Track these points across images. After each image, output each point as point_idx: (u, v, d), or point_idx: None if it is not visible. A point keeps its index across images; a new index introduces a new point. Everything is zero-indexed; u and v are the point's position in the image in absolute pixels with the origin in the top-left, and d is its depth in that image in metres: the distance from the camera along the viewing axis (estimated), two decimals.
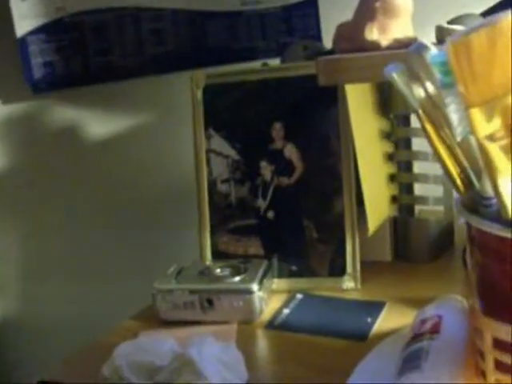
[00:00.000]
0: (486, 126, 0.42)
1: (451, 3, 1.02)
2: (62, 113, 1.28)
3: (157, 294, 0.91)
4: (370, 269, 0.99)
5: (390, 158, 1.05)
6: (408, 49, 0.47)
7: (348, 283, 0.97)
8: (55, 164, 1.27)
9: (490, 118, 0.41)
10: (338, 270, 0.98)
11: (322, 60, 0.81)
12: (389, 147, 1.05)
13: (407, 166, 1.06)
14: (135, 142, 1.30)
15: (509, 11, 0.39)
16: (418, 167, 1.06)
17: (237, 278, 0.91)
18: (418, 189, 1.08)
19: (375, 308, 0.89)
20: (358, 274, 0.97)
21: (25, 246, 1.30)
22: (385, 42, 0.80)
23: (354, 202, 0.97)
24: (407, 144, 1.05)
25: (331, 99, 0.97)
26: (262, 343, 0.87)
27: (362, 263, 0.98)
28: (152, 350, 0.75)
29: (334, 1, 1.28)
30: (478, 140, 0.42)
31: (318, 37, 1.33)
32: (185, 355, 0.70)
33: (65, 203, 1.28)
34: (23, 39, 1.23)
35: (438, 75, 0.42)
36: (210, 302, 0.89)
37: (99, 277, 1.25)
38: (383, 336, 0.79)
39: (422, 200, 1.06)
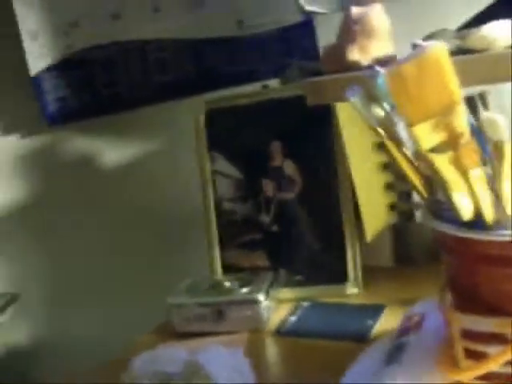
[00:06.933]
0: (428, 140, 0.48)
1: (429, 20, 1.06)
2: (76, 142, 1.35)
3: (170, 308, 0.97)
4: (372, 274, 1.04)
5: (386, 167, 1.10)
6: (363, 73, 0.52)
7: (350, 289, 1.02)
8: (72, 191, 1.34)
9: (432, 133, 0.47)
10: (341, 277, 1.02)
11: (308, 81, 0.87)
12: (384, 157, 1.10)
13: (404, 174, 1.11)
14: (145, 167, 1.36)
15: (439, 41, 0.45)
16: None
17: (244, 290, 0.97)
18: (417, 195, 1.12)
19: (376, 311, 0.94)
20: (360, 280, 1.02)
21: (51, 272, 1.36)
22: (365, 61, 0.85)
23: (352, 211, 1.02)
24: None
25: (325, 116, 1.02)
26: (271, 348, 0.92)
27: (365, 269, 1.03)
28: (166, 359, 0.80)
29: (331, 21, 1.32)
30: (422, 153, 0.48)
31: (316, 57, 1.37)
32: (195, 362, 0.77)
33: (83, 228, 1.34)
34: (37, 77, 1.31)
35: (386, 97, 0.48)
36: (220, 313, 0.95)
37: (118, 296, 1.31)
38: (382, 336, 0.84)
39: (421, 206, 1.11)
